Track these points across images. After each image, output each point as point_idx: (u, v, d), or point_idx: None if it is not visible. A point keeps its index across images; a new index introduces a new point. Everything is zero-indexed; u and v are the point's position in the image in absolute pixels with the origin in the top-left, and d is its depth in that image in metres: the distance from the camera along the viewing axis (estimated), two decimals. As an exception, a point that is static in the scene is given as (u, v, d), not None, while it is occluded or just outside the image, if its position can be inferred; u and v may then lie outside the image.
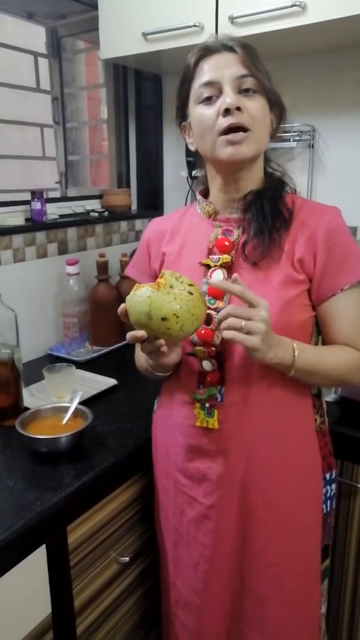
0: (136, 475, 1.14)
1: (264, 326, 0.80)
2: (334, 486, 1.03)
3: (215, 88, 0.88)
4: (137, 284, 0.85)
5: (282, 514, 0.96)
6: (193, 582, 1.03)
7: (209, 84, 0.88)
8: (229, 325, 0.80)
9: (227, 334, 0.80)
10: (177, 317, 0.80)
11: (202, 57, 0.90)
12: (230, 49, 0.88)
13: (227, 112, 0.86)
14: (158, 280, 0.83)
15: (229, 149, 0.88)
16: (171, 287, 0.82)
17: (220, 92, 0.88)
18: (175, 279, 0.84)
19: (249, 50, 0.89)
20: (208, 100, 0.89)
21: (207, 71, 0.89)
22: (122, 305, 0.85)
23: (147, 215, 2.01)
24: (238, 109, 0.86)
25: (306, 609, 1.02)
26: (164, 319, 0.80)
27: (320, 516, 1.00)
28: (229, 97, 0.86)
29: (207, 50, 0.90)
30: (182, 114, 0.98)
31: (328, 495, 1.02)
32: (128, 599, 1.20)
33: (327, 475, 1.01)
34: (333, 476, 1.02)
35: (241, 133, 0.87)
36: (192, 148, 0.98)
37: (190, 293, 0.82)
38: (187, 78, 0.93)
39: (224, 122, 0.87)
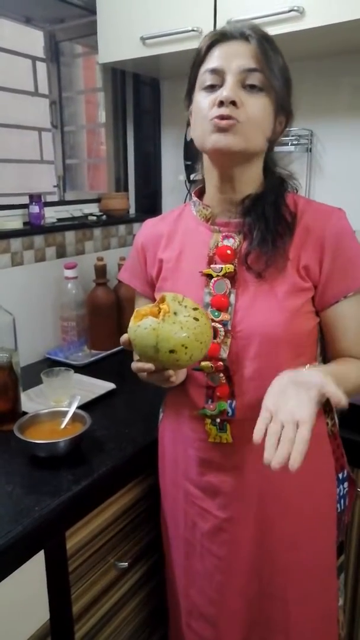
0: (135, 480, 1.14)
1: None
2: (346, 484, 1.02)
3: (219, 77, 0.84)
4: (136, 310, 0.80)
5: (300, 519, 0.95)
6: (208, 592, 1.01)
7: (213, 71, 0.84)
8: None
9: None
10: (186, 347, 0.75)
11: (216, 42, 0.86)
12: (246, 39, 0.83)
13: (221, 104, 0.82)
14: (160, 305, 0.79)
15: (214, 136, 0.84)
16: (175, 313, 0.77)
17: (223, 81, 0.83)
18: (178, 303, 0.79)
19: (264, 43, 0.84)
20: (211, 88, 0.85)
21: (216, 58, 0.85)
22: (125, 335, 0.80)
23: (145, 219, 2.00)
24: (233, 103, 0.82)
25: (326, 605, 1.01)
26: (172, 351, 0.75)
27: (335, 516, 0.99)
28: (226, 90, 0.82)
29: (222, 36, 0.85)
30: (190, 98, 0.93)
31: (341, 494, 1.00)
32: (127, 604, 1.19)
33: (340, 475, 1.00)
34: (345, 475, 1.01)
35: (230, 120, 0.82)
36: (190, 135, 0.93)
37: (196, 319, 0.77)
38: (197, 61, 0.89)
39: (216, 111, 0.83)
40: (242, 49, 0.84)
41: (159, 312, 0.78)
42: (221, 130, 0.83)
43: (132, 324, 0.79)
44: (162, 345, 0.76)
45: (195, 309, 0.79)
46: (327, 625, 1.03)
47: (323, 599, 1.00)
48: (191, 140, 0.94)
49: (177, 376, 0.88)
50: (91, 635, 1.09)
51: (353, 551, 1.23)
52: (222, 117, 0.82)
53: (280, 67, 0.86)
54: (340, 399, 0.74)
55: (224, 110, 0.82)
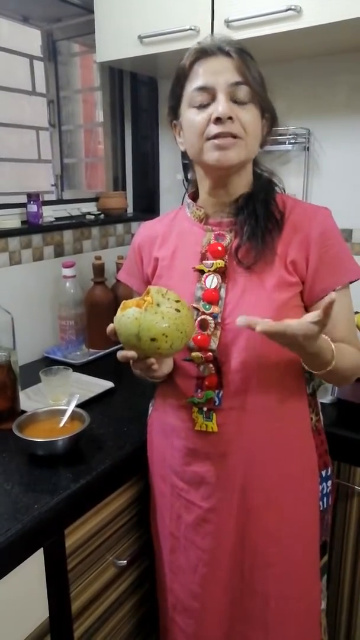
0: (133, 478, 1.14)
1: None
2: (329, 483, 1.04)
3: (208, 94, 0.88)
4: (123, 302, 0.84)
5: (282, 513, 0.96)
6: (191, 586, 1.03)
7: (202, 89, 0.88)
8: None
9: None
10: (166, 336, 0.80)
11: (198, 59, 0.89)
12: (227, 54, 0.87)
13: (218, 120, 0.86)
14: (144, 297, 0.83)
15: (217, 153, 0.88)
16: (158, 305, 0.81)
17: (213, 97, 0.87)
18: (162, 295, 0.83)
19: (245, 56, 0.88)
20: (201, 105, 0.89)
21: (202, 75, 0.88)
22: (111, 325, 0.85)
23: (143, 218, 2.01)
24: (230, 118, 0.86)
25: (307, 605, 1.02)
26: (153, 339, 0.79)
27: (317, 513, 1.01)
28: (221, 106, 0.86)
29: (203, 53, 0.89)
30: (174, 113, 0.97)
31: (324, 492, 1.02)
32: (126, 602, 1.19)
33: (323, 473, 1.01)
34: (329, 473, 1.03)
35: (230, 138, 0.87)
36: (181, 148, 0.98)
37: (178, 310, 0.81)
38: (181, 79, 0.92)
39: (214, 129, 0.87)
40: (226, 64, 0.87)
41: (144, 306, 0.82)
42: (222, 148, 0.87)
43: (118, 313, 0.84)
44: (144, 334, 0.79)
45: (177, 301, 0.83)
46: (308, 628, 1.03)
47: (304, 599, 1.01)
48: (180, 146, 0.99)
49: (161, 367, 0.92)
50: (90, 632, 1.09)
51: (350, 551, 1.24)
52: (222, 135, 0.86)
53: (259, 74, 0.90)
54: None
55: (222, 128, 0.86)
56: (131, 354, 0.83)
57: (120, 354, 0.85)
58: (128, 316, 0.81)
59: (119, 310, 0.84)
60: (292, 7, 1.23)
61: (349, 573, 1.26)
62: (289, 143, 1.59)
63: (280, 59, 1.55)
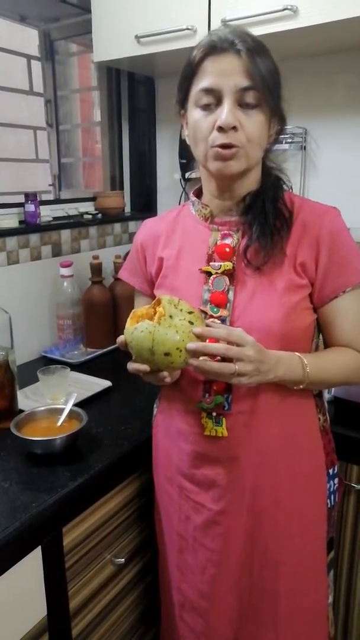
0: (131, 477, 1.14)
1: (251, 367, 0.81)
2: (336, 480, 1.04)
3: (214, 96, 0.85)
4: (133, 312, 0.83)
5: (291, 512, 0.96)
6: (200, 586, 1.02)
7: (209, 91, 0.85)
8: (218, 373, 0.82)
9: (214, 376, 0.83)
10: (180, 350, 0.78)
11: (207, 55, 0.85)
12: (237, 52, 0.83)
13: (221, 129, 0.84)
14: (156, 307, 0.81)
15: (218, 163, 0.87)
16: (171, 317, 0.79)
17: (219, 100, 0.85)
18: (174, 306, 0.81)
19: (255, 55, 0.84)
20: (206, 106, 0.86)
21: (209, 75, 0.85)
22: (121, 337, 0.83)
23: (140, 218, 2.01)
24: (234, 128, 0.84)
25: (316, 601, 1.02)
26: (167, 354, 0.78)
27: (325, 510, 1.01)
28: (224, 114, 0.83)
29: (213, 49, 0.85)
30: (182, 105, 0.94)
31: (331, 489, 1.02)
32: (124, 600, 1.20)
33: (330, 471, 1.01)
34: (335, 471, 1.03)
35: (232, 149, 0.85)
36: (187, 141, 0.95)
37: (191, 322, 0.80)
38: (190, 74, 0.89)
39: (217, 138, 0.85)
40: (235, 65, 0.83)
41: (155, 314, 0.80)
42: (224, 158, 0.86)
43: (129, 325, 0.82)
44: (158, 348, 0.78)
45: (190, 312, 0.81)
46: (316, 622, 1.04)
47: (313, 594, 1.01)
48: (186, 138, 0.97)
49: (171, 376, 0.90)
50: (88, 631, 1.09)
51: (347, 547, 1.25)
52: (224, 146, 0.85)
53: (271, 72, 0.86)
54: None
55: (225, 138, 0.84)
56: (143, 367, 0.82)
57: (132, 367, 0.84)
58: (141, 330, 0.79)
59: (128, 320, 0.82)
60: (289, 7, 1.23)
61: (346, 570, 1.26)
62: (286, 142, 1.60)
63: (277, 58, 1.53)
